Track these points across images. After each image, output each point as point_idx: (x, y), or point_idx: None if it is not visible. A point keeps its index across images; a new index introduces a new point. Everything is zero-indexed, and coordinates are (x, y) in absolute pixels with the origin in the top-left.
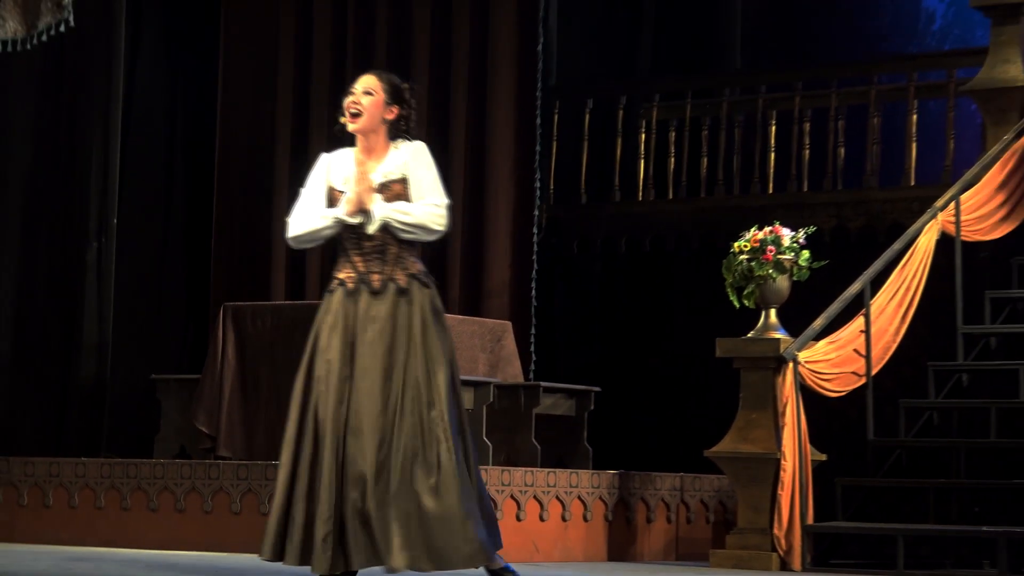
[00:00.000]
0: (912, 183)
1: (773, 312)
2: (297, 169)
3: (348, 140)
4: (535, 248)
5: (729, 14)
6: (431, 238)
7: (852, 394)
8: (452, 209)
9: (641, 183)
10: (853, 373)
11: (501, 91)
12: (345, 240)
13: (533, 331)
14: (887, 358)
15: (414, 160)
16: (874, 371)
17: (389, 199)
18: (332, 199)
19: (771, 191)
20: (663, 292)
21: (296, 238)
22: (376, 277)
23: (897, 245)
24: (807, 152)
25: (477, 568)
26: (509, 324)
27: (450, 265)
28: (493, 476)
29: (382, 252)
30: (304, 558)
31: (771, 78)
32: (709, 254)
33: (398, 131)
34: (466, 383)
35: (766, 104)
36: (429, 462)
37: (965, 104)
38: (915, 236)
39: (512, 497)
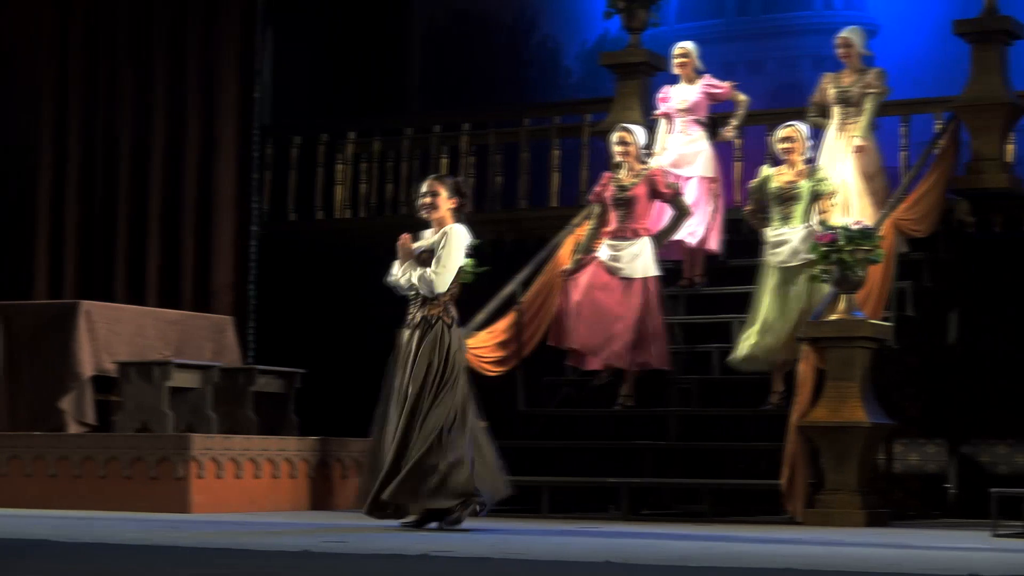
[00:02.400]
0: (555, 204)
1: None
2: (57, 175)
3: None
4: (253, 256)
5: (410, 65)
6: (431, 295)
7: (506, 373)
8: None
9: (339, 204)
10: (507, 357)
11: (225, 130)
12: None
13: (252, 324)
14: (534, 344)
15: (444, 241)
16: (524, 354)
17: (422, 263)
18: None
19: None
20: (356, 292)
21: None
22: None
23: (542, 254)
24: (472, 180)
25: None
26: (230, 318)
27: (184, 271)
28: (218, 442)
29: (416, 298)
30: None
31: (443, 119)
32: (392, 261)
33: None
34: (195, 367)
35: (439, 141)
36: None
37: (596, 142)
38: (557, 247)
39: (232, 459)
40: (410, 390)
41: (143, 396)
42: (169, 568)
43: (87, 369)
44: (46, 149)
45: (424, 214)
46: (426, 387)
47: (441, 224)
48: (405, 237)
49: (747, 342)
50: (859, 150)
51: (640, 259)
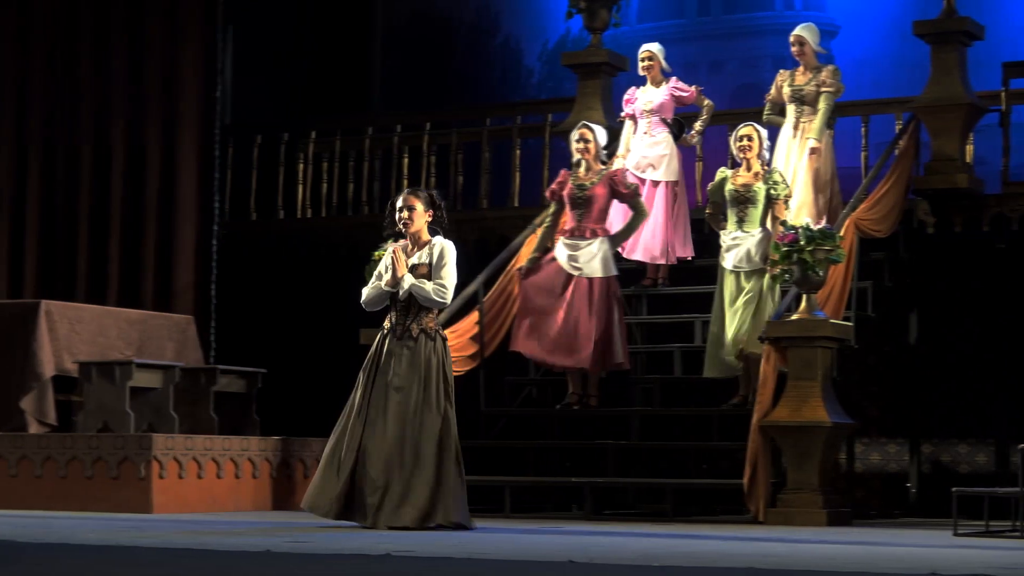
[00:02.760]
0: (516, 204)
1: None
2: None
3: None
4: (214, 256)
5: (372, 64)
6: (436, 307)
7: (469, 372)
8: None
9: (300, 204)
10: (470, 356)
11: (186, 129)
12: (392, 301)
13: (213, 324)
14: (496, 343)
15: (441, 256)
16: (487, 354)
17: (417, 276)
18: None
19: None
20: (318, 291)
21: (364, 302)
22: (406, 326)
23: (504, 255)
24: (433, 180)
25: None
26: (192, 318)
27: (145, 270)
28: (179, 442)
29: (402, 308)
30: None
31: (404, 119)
32: (354, 260)
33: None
34: (156, 366)
35: (400, 141)
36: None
37: (557, 142)
38: (518, 247)
39: (194, 459)
40: (404, 400)
41: (105, 396)
42: (131, 569)
43: (48, 369)
44: (6, 149)
45: (401, 228)
46: (433, 400)
47: (417, 237)
48: (398, 249)
49: (709, 353)
50: (814, 152)
51: (597, 259)
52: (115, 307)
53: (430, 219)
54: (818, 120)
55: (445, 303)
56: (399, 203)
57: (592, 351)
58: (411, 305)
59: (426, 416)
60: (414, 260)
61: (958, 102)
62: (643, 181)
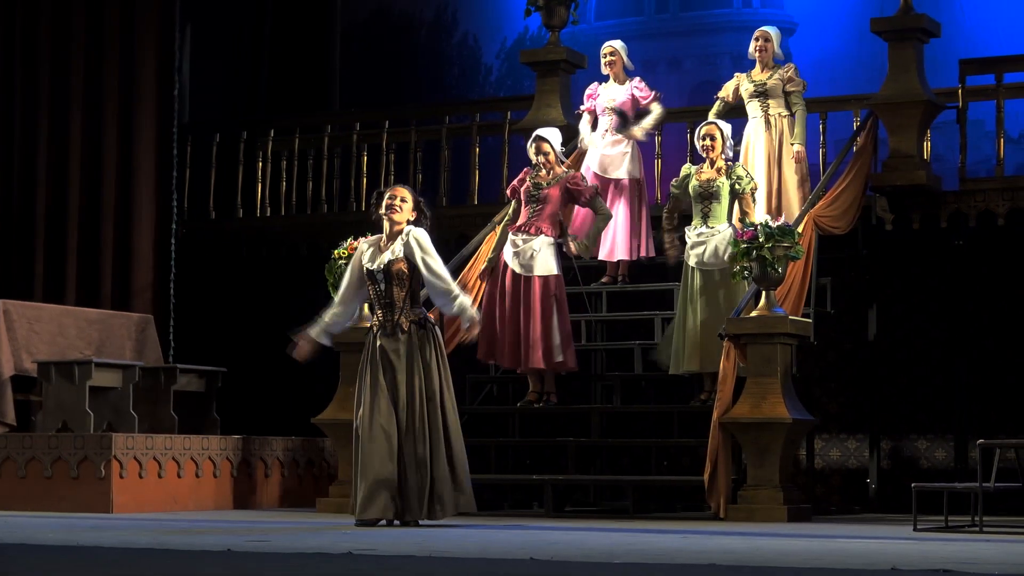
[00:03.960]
0: (476, 202)
1: (366, 307)
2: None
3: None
4: (173, 255)
5: (331, 62)
6: (444, 299)
7: None
8: None
9: (259, 202)
10: None
11: (144, 128)
12: (375, 297)
13: (172, 323)
14: (455, 342)
15: (419, 248)
16: (448, 352)
17: (395, 271)
18: (363, 276)
19: (363, 209)
20: (278, 290)
21: (326, 324)
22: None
23: (464, 252)
24: (392, 177)
25: None
26: (151, 317)
27: (103, 270)
28: (139, 442)
29: (391, 306)
30: None
31: (363, 117)
32: (314, 259)
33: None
34: (116, 366)
35: (359, 139)
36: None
37: (516, 140)
38: (478, 245)
39: (155, 459)
40: (418, 393)
41: (64, 396)
42: (92, 569)
43: (7, 369)
44: None
45: (385, 213)
46: (441, 388)
47: (393, 228)
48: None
49: (671, 347)
50: (799, 157)
51: (540, 256)
52: (74, 306)
53: (412, 218)
54: (798, 125)
55: (458, 291)
56: (396, 192)
57: (538, 350)
58: (394, 300)
59: (437, 408)
60: (388, 256)
61: (915, 99)
62: (606, 180)
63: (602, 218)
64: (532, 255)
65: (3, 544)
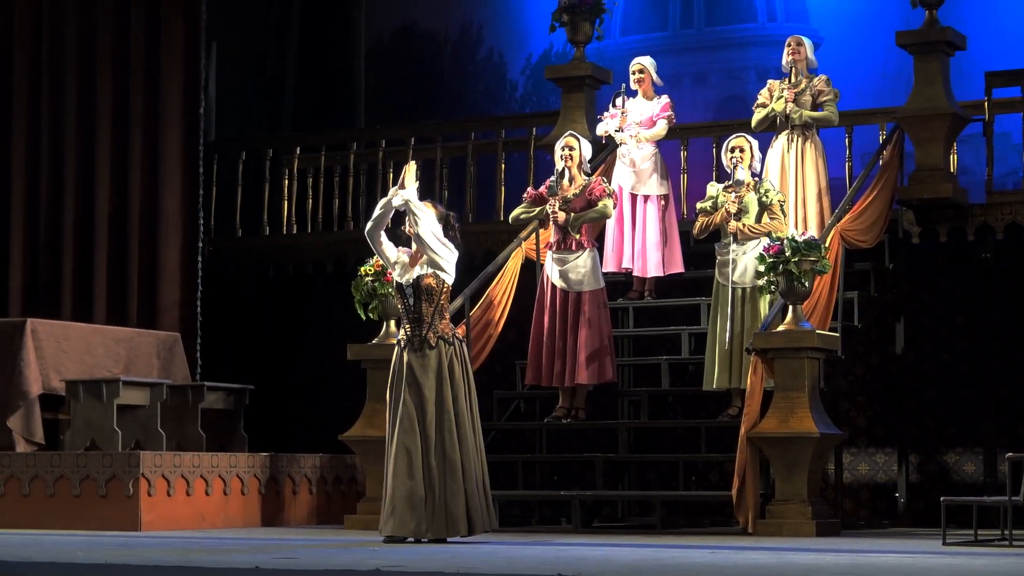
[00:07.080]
0: (502, 218)
1: (393, 323)
2: (2, 193)
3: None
4: (200, 273)
5: (356, 80)
6: (440, 257)
7: None
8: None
9: (285, 220)
10: None
11: (171, 146)
12: (404, 311)
13: (199, 340)
14: (484, 358)
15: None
16: (474, 368)
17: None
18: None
19: (389, 226)
20: (304, 307)
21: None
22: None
23: (490, 268)
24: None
25: None
26: (179, 335)
27: (130, 289)
28: (167, 460)
29: (419, 320)
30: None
31: (389, 134)
32: (340, 277)
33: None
34: (143, 384)
35: (385, 156)
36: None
37: (542, 155)
38: (504, 261)
39: (183, 476)
40: (444, 409)
41: (92, 414)
42: None
43: (35, 388)
44: None
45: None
46: (468, 405)
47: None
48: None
49: (710, 366)
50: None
51: (586, 272)
52: (102, 325)
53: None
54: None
55: (445, 259)
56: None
57: (586, 365)
58: (423, 315)
59: (465, 424)
60: (418, 270)
61: (941, 112)
62: (633, 196)
63: (600, 214)
64: (579, 272)
65: (33, 563)
